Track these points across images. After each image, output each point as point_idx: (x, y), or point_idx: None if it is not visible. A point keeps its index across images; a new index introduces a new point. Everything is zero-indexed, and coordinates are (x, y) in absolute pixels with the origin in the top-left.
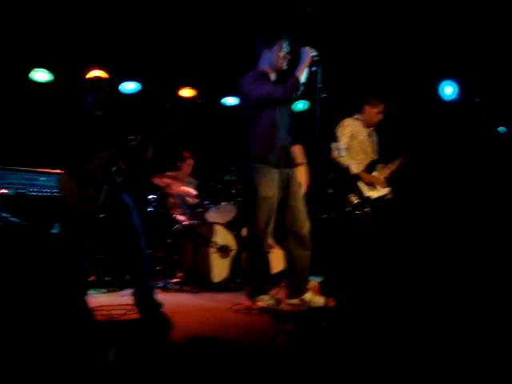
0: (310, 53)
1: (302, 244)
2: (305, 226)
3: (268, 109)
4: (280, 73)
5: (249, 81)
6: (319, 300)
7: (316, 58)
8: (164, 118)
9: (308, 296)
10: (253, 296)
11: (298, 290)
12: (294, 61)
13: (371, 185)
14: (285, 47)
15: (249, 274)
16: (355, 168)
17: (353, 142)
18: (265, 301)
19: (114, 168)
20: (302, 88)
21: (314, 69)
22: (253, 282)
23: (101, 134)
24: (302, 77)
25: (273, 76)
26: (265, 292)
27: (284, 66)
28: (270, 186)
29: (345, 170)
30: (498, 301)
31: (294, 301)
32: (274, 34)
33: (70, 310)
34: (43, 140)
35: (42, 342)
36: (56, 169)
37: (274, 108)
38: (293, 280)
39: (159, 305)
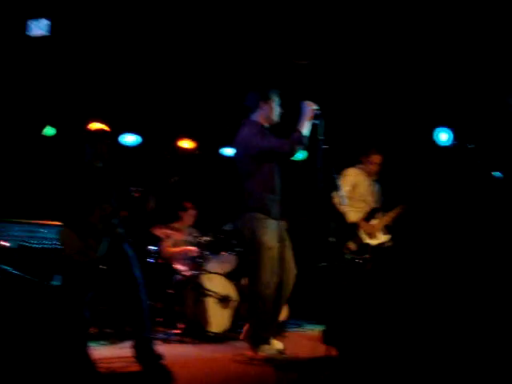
0: (310, 107)
1: (282, 293)
2: (291, 278)
3: (269, 162)
4: (272, 126)
5: (252, 134)
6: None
7: (317, 112)
8: (164, 169)
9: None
10: (255, 346)
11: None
12: (286, 114)
13: (368, 233)
14: (278, 101)
15: (251, 324)
16: (353, 216)
17: (355, 191)
18: (267, 350)
19: (115, 219)
20: (306, 142)
21: (315, 122)
22: (255, 333)
23: (101, 186)
24: (305, 130)
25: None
26: (266, 342)
27: (277, 119)
28: (272, 236)
29: (344, 217)
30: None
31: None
32: (270, 88)
33: (72, 362)
34: (44, 192)
35: None
36: (56, 221)
37: (274, 161)
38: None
39: (160, 357)
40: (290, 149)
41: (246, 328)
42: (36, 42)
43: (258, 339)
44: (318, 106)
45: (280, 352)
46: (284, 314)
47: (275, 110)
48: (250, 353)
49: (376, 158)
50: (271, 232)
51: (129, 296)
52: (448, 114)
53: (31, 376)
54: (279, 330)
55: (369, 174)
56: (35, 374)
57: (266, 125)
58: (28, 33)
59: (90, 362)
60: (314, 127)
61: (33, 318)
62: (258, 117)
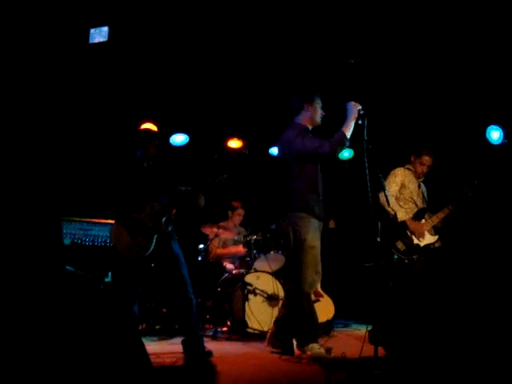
0: (355, 107)
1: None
2: (320, 275)
3: (311, 163)
4: (315, 128)
5: (294, 135)
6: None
7: (361, 112)
8: (212, 168)
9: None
10: (302, 345)
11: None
12: (330, 116)
13: (414, 233)
14: (320, 103)
15: (297, 323)
16: (403, 215)
17: (403, 191)
18: (315, 349)
19: (164, 218)
20: (348, 143)
21: (360, 122)
22: (302, 331)
23: (151, 185)
24: (349, 131)
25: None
26: (314, 340)
27: (320, 121)
28: (316, 236)
29: (392, 217)
30: None
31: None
32: (314, 90)
33: (128, 357)
34: (97, 191)
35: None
36: (108, 219)
37: (318, 162)
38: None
39: (209, 353)
40: (331, 149)
41: (269, 333)
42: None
43: (306, 338)
44: (362, 106)
45: (328, 351)
46: (331, 314)
47: (318, 113)
48: (297, 351)
49: (427, 160)
50: (314, 231)
51: (177, 294)
52: (500, 112)
53: (89, 369)
54: (327, 330)
55: (417, 174)
56: (92, 368)
57: (310, 127)
58: (90, 40)
59: (144, 356)
60: (358, 127)
61: (87, 313)
62: (302, 119)
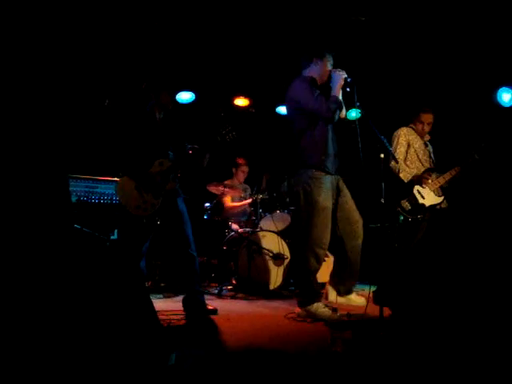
0: (341, 75)
1: (354, 237)
2: (358, 222)
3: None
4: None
5: (301, 88)
6: (361, 301)
7: (349, 80)
8: (221, 125)
9: (353, 296)
10: (305, 305)
11: (347, 287)
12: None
13: (422, 182)
14: (331, 62)
15: (303, 280)
16: (409, 175)
17: (410, 150)
18: (320, 309)
19: (172, 175)
20: (342, 105)
21: (348, 90)
22: (308, 289)
23: (160, 139)
24: (339, 96)
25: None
26: (318, 298)
27: (326, 79)
28: (327, 196)
29: (400, 177)
30: None
31: (341, 299)
32: (325, 47)
33: (136, 315)
34: (104, 147)
35: (108, 341)
36: (115, 176)
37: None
38: (344, 276)
39: (214, 311)
40: (327, 111)
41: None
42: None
43: (310, 297)
44: (347, 74)
45: (334, 311)
46: None
47: (327, 69)
48: (301, 311)
49: (426, 117)
50: (326, 191)
51: (179, 250)
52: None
53: (96, 325)
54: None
55: (420, 134)
56: (100, 323)
57: (318, 81)
58: None
59: (153, 313)
60: (349, 94)
61: (96, 270)
62: (310, 72)
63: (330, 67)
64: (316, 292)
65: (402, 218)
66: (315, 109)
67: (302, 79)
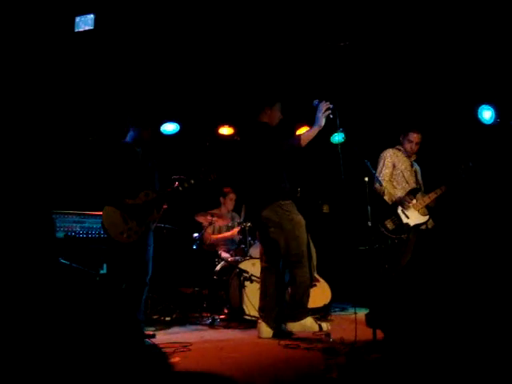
0: (324, 105)
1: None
2: (314, 257)
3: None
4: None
5: (271, 136)
6: (321, 325)
7: (331, 106)
8: (197, 171)
9: (308, 320)
10: (296, 319)
11: (298, 313)
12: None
13: (404, 204)
14: (280, 106)
15: (295, 294)
16: (393, 195)
17: (395, 171)
18: (308, 323)
19: (156, 206)
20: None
21: (331, 116)
22: (300, 302)
23: (144, 171)
24: (313, 135)
25: None
26: (307, 315)
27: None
28: (300, 215)
29: (384, 198)
30: None
31: (293, 325)
32: (276, 95)
33: (128, 353)
34: (90, 181)
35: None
36: (102, 210)
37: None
38: (293, 303)
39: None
40: (303, 144)
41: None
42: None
43: (300, 313)
44: (332, 100)
45: (326, 336)
46: (327, 299)
47: (278, 116)
48: (290, 327)
49: (414, 137)
50: (298, 213)
51: (137, 276)
52: (491, 91)
53: (88, 356)
54: (324, 315)
55: (407, 153)
56: (90, 363)
57: (272, 125)
58: (75, 29)
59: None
60: (332, 121)
61: (83, 306)
62: (264, 119)
63: (279, 113)
64: (304, 309)
65: (390, 242)
66: (290, 147)
67: (262, 127)
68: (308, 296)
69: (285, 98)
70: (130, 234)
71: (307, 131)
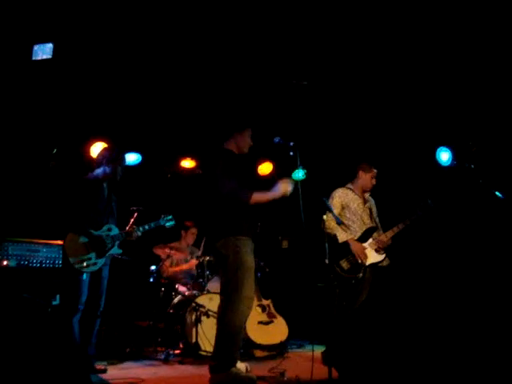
0: (286, 187)
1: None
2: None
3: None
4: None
5: (221, 171)
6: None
7: (290, 144)
8: (165, 188)
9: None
10: (225, 367)
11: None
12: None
13: (356, 255)
14: (250, 133)
15: (228, 341)
16: (343, 236)
17: (345, 212)
18: (241, 372)
19: (117, 241)
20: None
21: (291, 154)
22: (230, 350)
23: (108, 205)
24: (269, 199)
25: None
26: (235, 364)
27: (247, 150)
28: (251, 257)
29: (334, 238)
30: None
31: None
32: (246, 120)
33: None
34: (48, 209)
35: None
36: (58, 239)
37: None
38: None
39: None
40: (250, 200)
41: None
42: (39, 65)
43: (229, 361)
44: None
45: (281, 374)
46: (284, 335)
47: (247, 143)
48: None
49: (374, 172)
50: (251, 253)
51: (90, 308)
52: (449, 134)
53: None
54: (281, 352)
55: (362, 190)
56: None
57: (236, 153)
58: (33, 57)
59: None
60: (293, 157)
61: (35, 337)
62: (231, 145)
63: (248, 139)
64: (234, 356)
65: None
66: (231, 191)
67: (223, 155)
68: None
69: (254, 127)
70: (89, 264)
71: (262, 193)
